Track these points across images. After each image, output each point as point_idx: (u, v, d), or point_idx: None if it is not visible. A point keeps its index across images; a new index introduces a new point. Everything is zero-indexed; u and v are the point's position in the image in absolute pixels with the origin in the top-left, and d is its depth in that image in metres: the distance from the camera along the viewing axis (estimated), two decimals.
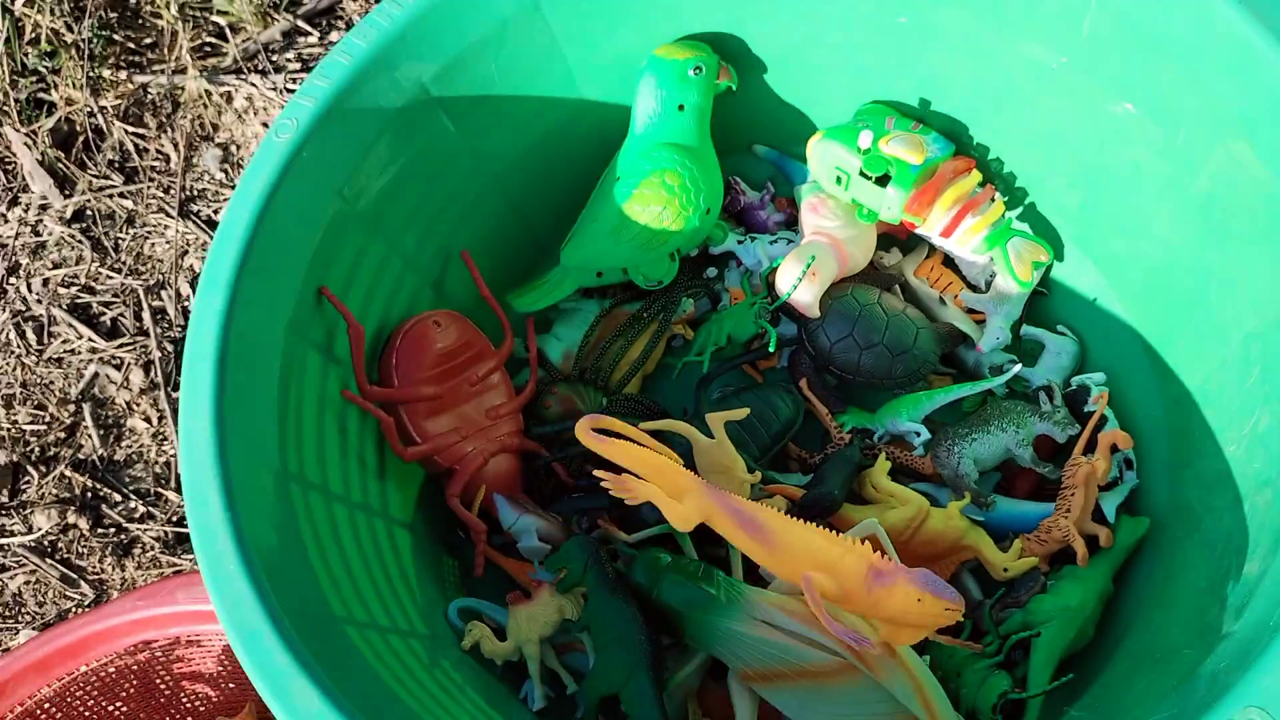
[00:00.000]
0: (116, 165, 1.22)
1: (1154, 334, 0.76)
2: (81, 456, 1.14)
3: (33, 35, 1.21)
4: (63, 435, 1.14)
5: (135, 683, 0.92)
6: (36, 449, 1.14)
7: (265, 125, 1.19)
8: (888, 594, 0.63)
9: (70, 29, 1.21)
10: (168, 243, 1.19)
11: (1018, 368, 0.81)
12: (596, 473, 0.73)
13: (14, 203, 1.21)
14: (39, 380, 1.16)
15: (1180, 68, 0.66)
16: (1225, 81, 0.64)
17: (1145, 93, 0.70)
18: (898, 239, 0.90)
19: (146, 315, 1.16)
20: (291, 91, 1.19)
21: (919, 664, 0.70)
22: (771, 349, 0.83)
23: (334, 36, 1.21)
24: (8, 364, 1.16)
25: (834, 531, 0.66)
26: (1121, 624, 0.72)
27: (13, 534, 1.11)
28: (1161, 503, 0.75)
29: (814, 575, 0.65)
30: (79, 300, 1.18)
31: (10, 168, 1.22)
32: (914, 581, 0.62)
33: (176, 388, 1.14)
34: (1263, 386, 0.63)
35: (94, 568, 1.10)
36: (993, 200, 0.81)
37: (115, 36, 1.23)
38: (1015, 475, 0.82)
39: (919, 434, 0.81)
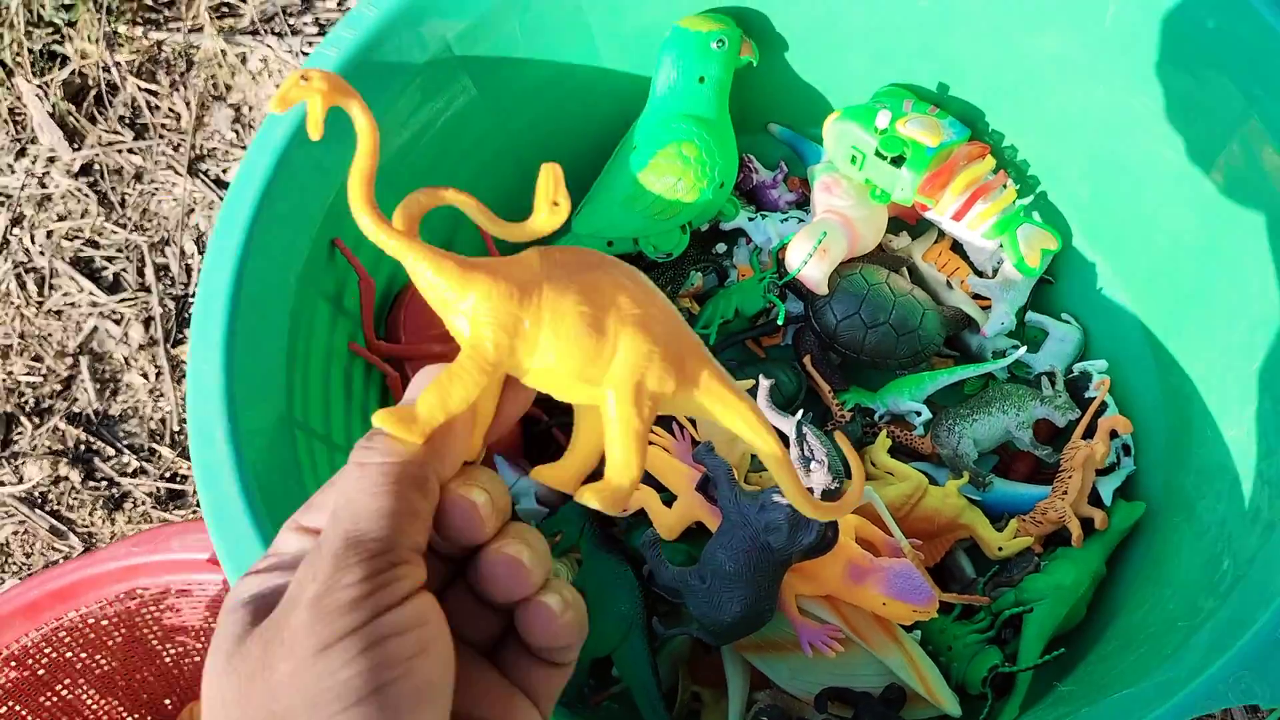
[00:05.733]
0: (127, 121, 1.22)
1: (1158, 322, 0.77)
2: (76, 409, 1.13)
3: None
4: (59, 388, 1.14)
5: (123, 632, 0.91)
6: (31, 400, 1.13)
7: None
8: (862, 590, 0.66)
9: None
10: (174, 200, 1.18)
11: (1021, 351, 0.82)
12: None
13: (22, 154, 1.21)
14: (37, 332, 1.15)
15: (1197, 59, 0.67)
16: (1245, 71, 0.65)
17: (1164, 85, 0.70)
18: (906, 224, 0.90)
19: (149, 271, 1.16)
20: (308, 55, 1.19)
21: (911, 641, 0.71)
22: (780, 321, 0.83)
23: (352, 2, 1.21)
24: (7, 315, 1.16)
25: None
26: (1113, 605, 0.73)
27: (3, 484, 1.10)
28: (1158, 488, 0.75)
29: (788, 580, 0.67)
30: (82, 254, 1.18)
31: (20, 119, 1.22)
32: (881, 585, 0.65)
33: (176, 344, 1.14)
34: (1268, 372, 0.64)
35: (84, 520, 1.10)
36: (1004, 187, 0.82)
37: None
38: (1013, 458, 0.82)
39: (920, 413, 0.82)
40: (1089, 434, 0.77)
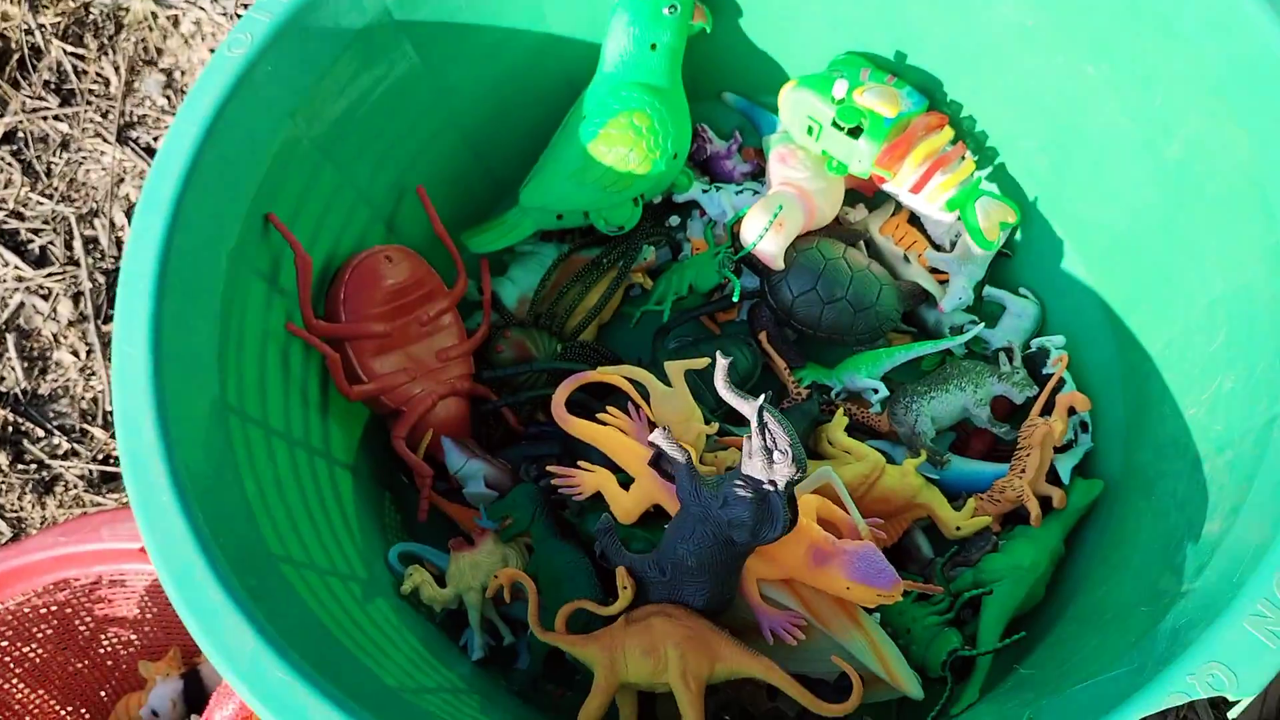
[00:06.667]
0: (53, 86, 1.16)
1: (1116, 298, 0.76)
2: (3, 389, 1.09)
3: None
4: None
5: (54, 624, 0.88)
6: None
7: (213, 51, 1.14)
8: (825, 574, 0.64)
9: None
10: (103, 169, 1.13)
11: (979, 328, 0.81)
12: (550, 468, 0.74)
13: None
14: None
15: (1158, 28, 0.65)
16: (1205, 42, 0.63)
17: (1122, 55, 0.69)
18: (863, 196, 0.88)
19: (78, 244, 1.11)
20: (241, 17, 1.14)
21: (874, 625, 0.69)
22: (735, 298, 0.81)
23: None
24: None
25: None
26: (1072, 585, 0.72)
27: None
28: (1116, 466, 0.75)
29: (750, 564, 0.66)
30: (6, 226, 1.13)
31: None
32: (845, 568, 0.63)
33: (107, 320, 1.09)
34: (1228, 350, 0.63)
35: (12, 505, 1.05)
36: (963, 158, 0.80)
37: None
38: (971, 435, 0.81)
39: (877, 391, 0.80)
40: (1047, 411, 0.76)
